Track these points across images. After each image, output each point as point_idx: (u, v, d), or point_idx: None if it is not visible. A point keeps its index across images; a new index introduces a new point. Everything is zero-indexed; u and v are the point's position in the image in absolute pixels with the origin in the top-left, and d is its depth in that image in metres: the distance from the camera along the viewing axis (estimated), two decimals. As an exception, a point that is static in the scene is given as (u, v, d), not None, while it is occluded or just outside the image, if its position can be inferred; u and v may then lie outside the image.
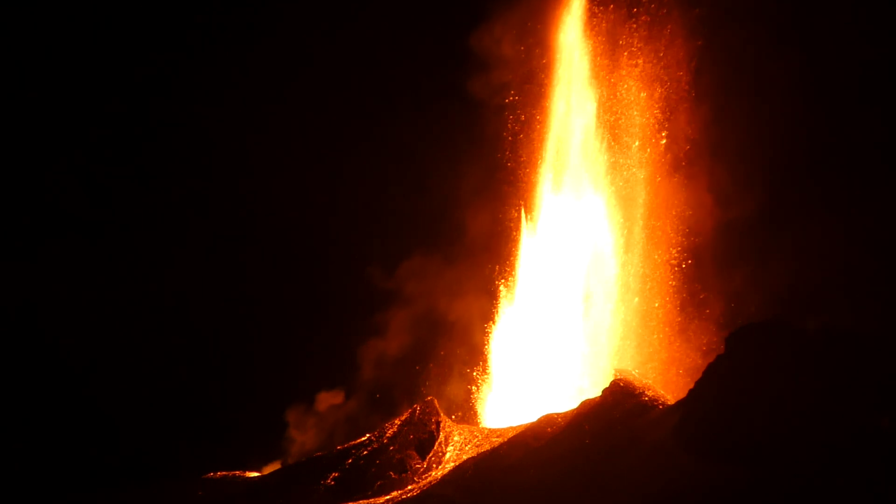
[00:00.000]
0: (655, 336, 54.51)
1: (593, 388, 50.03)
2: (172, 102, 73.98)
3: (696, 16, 55.76)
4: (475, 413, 55.87)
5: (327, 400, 60.18)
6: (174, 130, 73.24)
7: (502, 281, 58.07)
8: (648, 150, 56.72)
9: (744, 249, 53.90)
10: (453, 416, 52.19)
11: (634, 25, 57.03)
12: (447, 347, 59.44)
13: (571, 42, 58.90)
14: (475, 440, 46.80)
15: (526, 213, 58.68)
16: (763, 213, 53.38)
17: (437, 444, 46.33)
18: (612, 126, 57.53)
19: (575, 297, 56.26)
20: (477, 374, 57.04)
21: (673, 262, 55.32)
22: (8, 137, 72.02)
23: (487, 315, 57.94)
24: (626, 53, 57.30)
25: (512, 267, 58.27)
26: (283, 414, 59.81)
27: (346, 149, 71.69)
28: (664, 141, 56.03)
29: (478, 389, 56.62)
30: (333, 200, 70.41)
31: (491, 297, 58.12)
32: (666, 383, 51.09)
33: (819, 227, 51.05)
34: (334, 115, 71.95)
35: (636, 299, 55.38)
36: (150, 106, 74.18)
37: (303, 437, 58.98)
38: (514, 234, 58.84)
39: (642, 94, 57.01)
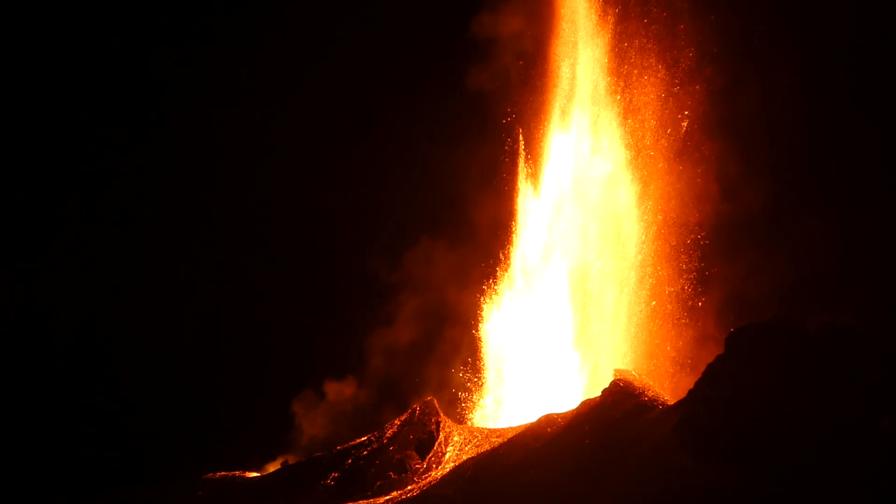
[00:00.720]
0: (659, 325, 53.60)
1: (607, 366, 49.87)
2: (178, 100, 73.84)
3: (710, 22, 54.66)
4: (478, 404, 55.49)
5: (337, 390, 59.81)
6: (181, 125, 72.94)
7: (499, 266, 56.35)
8: (660, 131, 55.09)
9: (747, 240, 53.03)
10: (461, 401, 51.97)
11: (645, 39, 55.94)
12: (454, 335, 58.29)
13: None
14: (475, 440, 46.78)
15: (525, 149, 55.58)
16: (768, 205, 52.63)
17: (436, 444, 46.31)
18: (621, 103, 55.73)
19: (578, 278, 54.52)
20: (463, 374, 56.13)
21: (678, 246, 54.19)
22: (10, 136, 72.06)
23: (490, 305, 56.53)
24: (635, 71, 55.97)
25: (510, 232, 55.68)
26: (291, 407, 59.31)
27: (351, 140, 71.23)
28: (685, 123, 54.22)
29: (472, 389, 56.02)
30: (337, 191, 69.87)
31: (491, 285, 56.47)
32: (664, 371, 50.97)
33: (823, 222, 50.69)
34: (337, 108, 71.60)
35: (652, 303, 53.95)
36: (157, 104, 74.07)
37: (312, 429, 58.68)
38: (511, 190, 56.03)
39: (658, 65, 55.28)
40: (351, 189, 69.97)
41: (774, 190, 52.50)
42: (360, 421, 55.45)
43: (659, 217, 54.80)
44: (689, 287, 53.75)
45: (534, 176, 56.86)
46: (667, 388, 48.87)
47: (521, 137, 56.58)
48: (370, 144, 69.72)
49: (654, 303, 53.97)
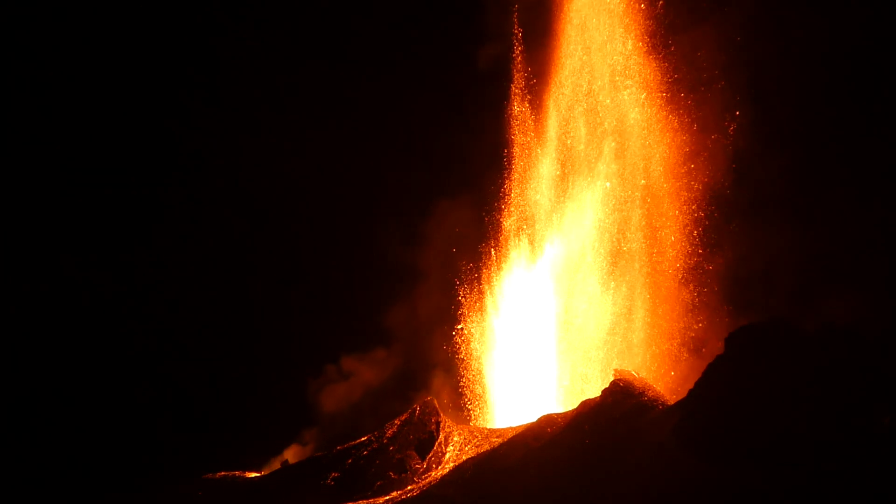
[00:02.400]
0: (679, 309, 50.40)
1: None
2: (194, 94, 73.44)
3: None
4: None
5: (356, 367, 59.23)
6: (201, 119, 72.37)
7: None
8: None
9: (764, 218, 50.48)
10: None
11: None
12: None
13: None
14: (475, 440, 46.86)
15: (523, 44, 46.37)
16: (787, 181, 50.28)
17: (436, 444, 46.39)
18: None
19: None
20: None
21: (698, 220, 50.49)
22: (16, 137, 71.92)
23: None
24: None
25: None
26: (308, 389, 58.91)
27: (365, 125, 70.09)
28: (738, 121, 48.58)
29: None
30: (341, 170, 68.56)
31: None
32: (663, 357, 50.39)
33: (842, 201, 49.68)
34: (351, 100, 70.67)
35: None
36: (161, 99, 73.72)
37: (333, 405, 58.14)
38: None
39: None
40: (359, 164, 68.54)
41: (793, 166, 50.26)
42: (382, 399, 54.69)
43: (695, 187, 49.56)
44: (703, 265, 50.88)
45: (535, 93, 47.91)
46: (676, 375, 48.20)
47: (515, 19, 47.70)
48: (383, 125, 68.09)
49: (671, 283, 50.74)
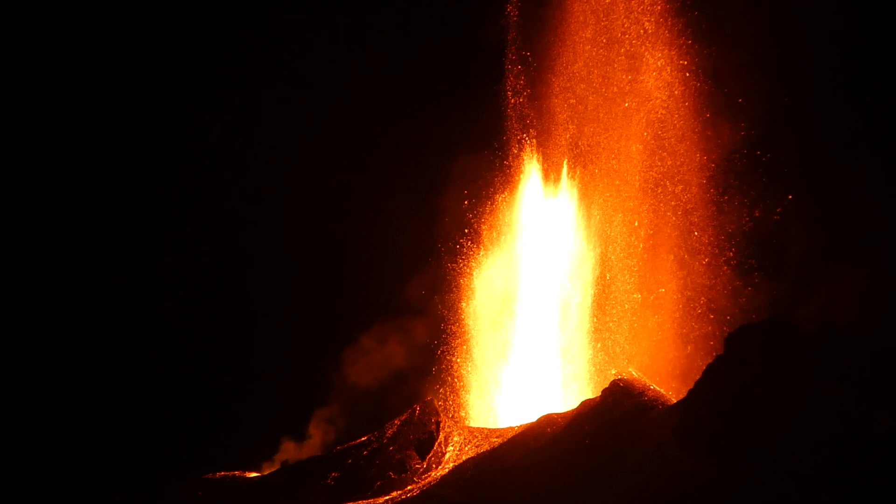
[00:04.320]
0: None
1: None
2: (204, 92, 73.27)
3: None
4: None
5: (380, 350, 59.03)
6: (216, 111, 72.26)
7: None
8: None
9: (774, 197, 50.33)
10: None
11: None
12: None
13: None
14: (475, 440, 46.90)
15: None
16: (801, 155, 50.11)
17: (436, 444, 46.42)
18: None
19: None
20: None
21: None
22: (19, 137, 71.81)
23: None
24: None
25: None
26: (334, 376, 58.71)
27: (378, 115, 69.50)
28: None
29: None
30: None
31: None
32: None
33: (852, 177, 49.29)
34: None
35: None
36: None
37: (362, 380, 57.88)
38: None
39: None
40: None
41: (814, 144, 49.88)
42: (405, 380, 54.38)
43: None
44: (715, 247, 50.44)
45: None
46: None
47: None
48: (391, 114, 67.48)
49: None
